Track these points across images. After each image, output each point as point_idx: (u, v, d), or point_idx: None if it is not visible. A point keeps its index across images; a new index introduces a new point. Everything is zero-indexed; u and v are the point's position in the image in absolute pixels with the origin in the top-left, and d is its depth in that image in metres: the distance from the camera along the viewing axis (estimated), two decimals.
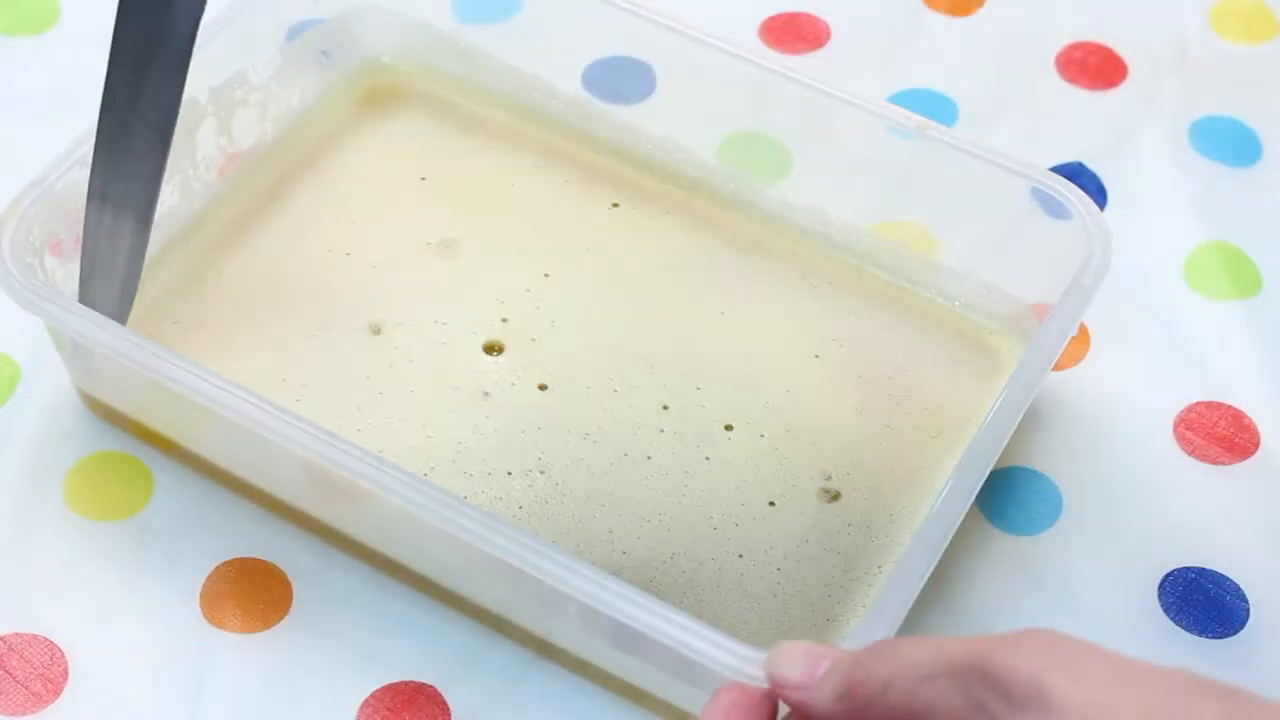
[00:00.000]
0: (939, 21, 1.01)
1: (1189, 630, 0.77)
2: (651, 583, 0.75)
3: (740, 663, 0.64)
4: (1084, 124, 0.96)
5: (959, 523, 0.69)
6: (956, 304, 0.85)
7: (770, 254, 0.87)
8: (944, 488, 0.70)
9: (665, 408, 0.81)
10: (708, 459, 0.79)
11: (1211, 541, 0.80)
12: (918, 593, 0.67)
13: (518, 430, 0.79)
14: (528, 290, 0.84)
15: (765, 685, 0.62)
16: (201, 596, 0.76)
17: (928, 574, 0.68)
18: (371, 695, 0.74)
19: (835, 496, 0.78)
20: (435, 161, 0.89)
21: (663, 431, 0.80)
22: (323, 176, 0.89)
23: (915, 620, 0.75)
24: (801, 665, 0.59)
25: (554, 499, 0.78)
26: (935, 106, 0.96)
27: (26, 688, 0.74)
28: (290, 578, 0.77)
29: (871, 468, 0.79)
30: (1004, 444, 0.72)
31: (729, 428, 0.80)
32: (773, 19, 1.01)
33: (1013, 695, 0.51)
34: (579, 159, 0.90)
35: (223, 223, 0.87)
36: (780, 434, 0.80)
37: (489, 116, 0.92)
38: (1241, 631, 0.77)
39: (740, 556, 0.76)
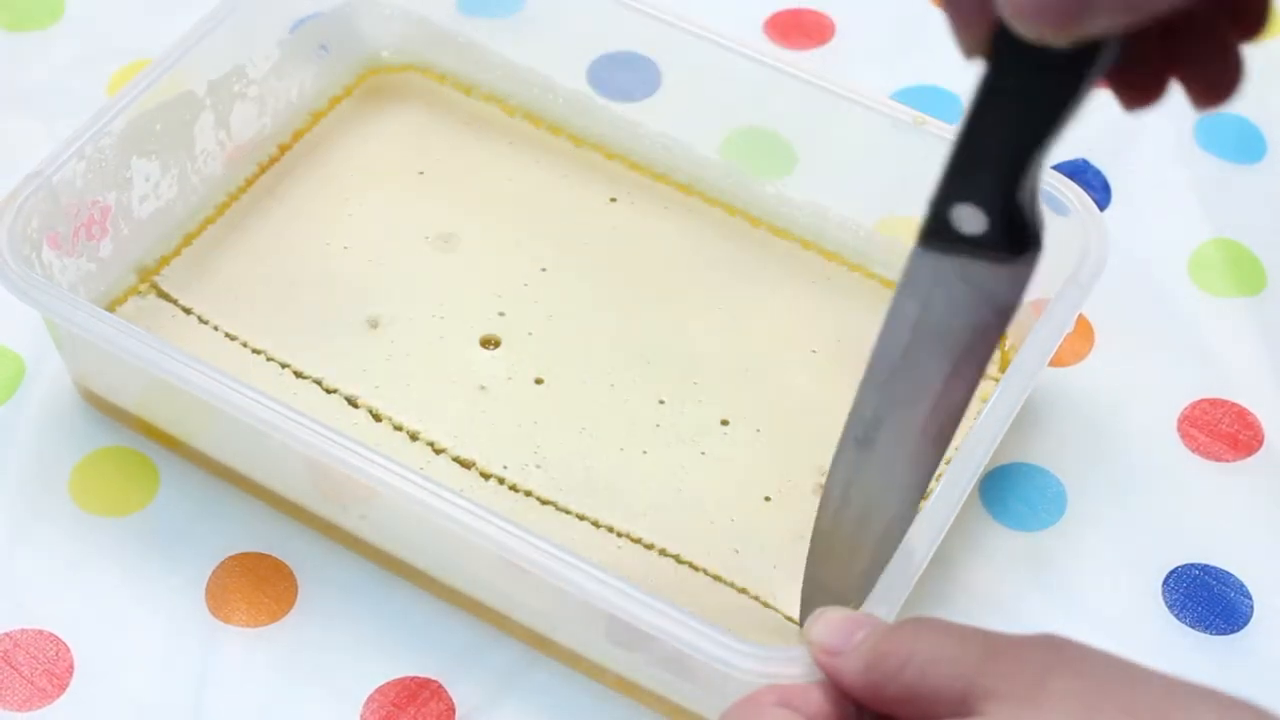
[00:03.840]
0: (943, 18, 1.00)
1: (1193, 627, 0.77)
2: (646, 578, 0.75)
3: (735, 658, 0.64)
4: (1088, 121, 0.95)
5: (954, 517, 0.69)
6: None
7: (768, 249, 0.87)
8: (938, 481, 0.70)
9: (661, 402, 0.81)
10: (704, 454, 0.79)
11: (1215, 538, 0.80)
12: (912, 586, 0.67)
13: (514, 424, 0.80)
14: (525, 284, 0.85)
15: (763, 681, 0.62)
16: (207, 591, 0.77)
17: (922, 567, 0.68)
18: (376, 690, 0.74)
19: None
20: (433, 156, 0.89)
21: (659, 426, 0.80)
22: (321, 170, 0.89)
23: (919, 615, 0.75)
24: (838, 631, 0.60)
25: (550, 493, 0.78)
26: (940, 103, 0.96)
27: (32, 683, 0.74)
28: (296, 572, 0.77)
29: None
30: (998, 438, 0.72)
31: (725, 423, 0.80)
32: (778, 15, 1.01)
33: (1016, 682, 0.52)
34: (577, 154, 0.91)
35: (221, 216, 0.87)
36: (777, 429, 0.80)
37: (487, 111, 0.92)
38: (1245, 628, 0.77)
39: (736, 552, 0.76)
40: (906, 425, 0.64)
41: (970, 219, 0.58)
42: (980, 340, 0.61)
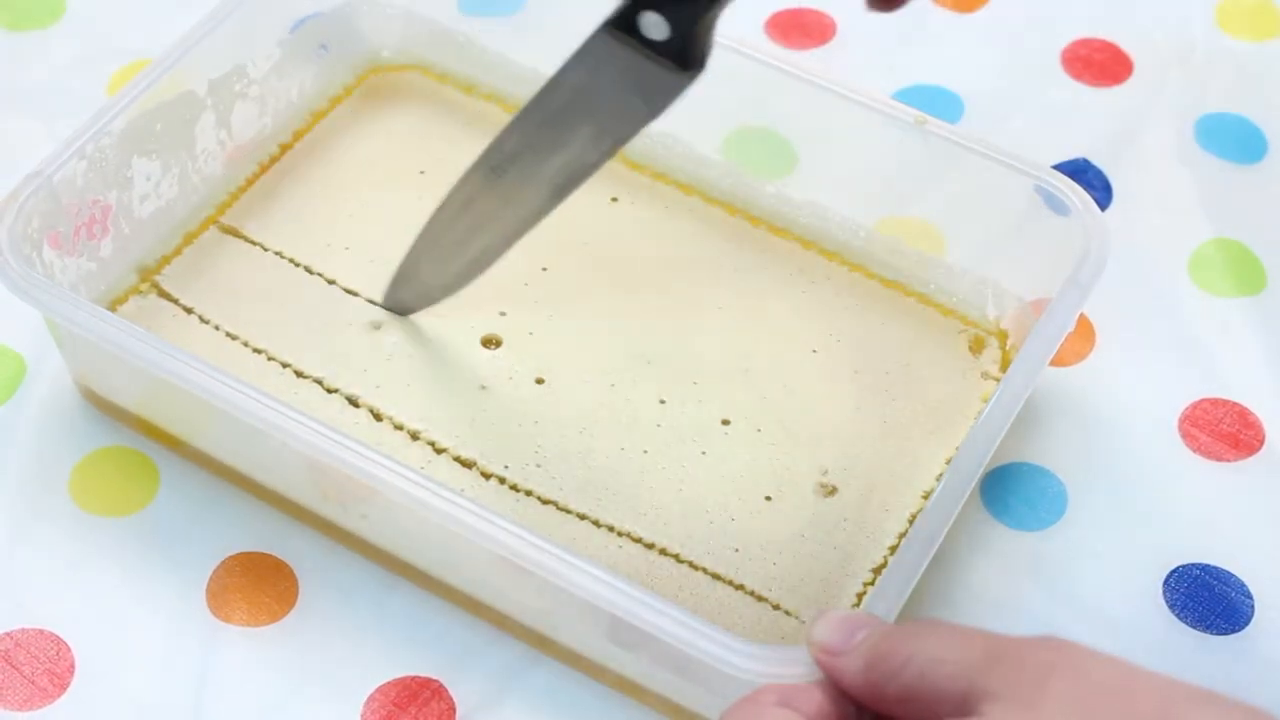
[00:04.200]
0: (945, 18, 1.01)
1: (1194, 626, 0.77)
2: (648, 577, 0.75)
3: (735, 657, 0.64)
4: (1089, 120, 0.96)
5: (954, 516, 0.69)
6: (955, 300, 0.85)
7: (769, 249, 0.87)
8: (940, 481, 0.70)
9: (662, 402, 0.81)
10: (704, 453, 0.79)
11: (1216, 538, 0.80)
12: (913, 586, 0.67)
13: (515, 424, 0.80)
14: (525, 284, 0.85)
15: (763, 680, 0.62)
16: (208, 591, 0.77)
17: (923, 567, 0.68)
18: (377, 690, 0.74)
19: (832, 491, 0.78)
20: (434, 155, 0.89)
21: (659, 426, 0.80)
22: (322, 170, 0.89)
23: (919, 615, 0.75)
24: (839, 631, 0.60)
25: (550, 492, 0.78)
26: (941, 103, 0.96)
27: (33, 683, 0.74)
28: (296, 572, 0.77)
29: (868, 463, 0.79)
30: (1000, 438, 0.72)
31: (726, 422, 0.80)
32: (778, 14, 1.01)
33: (1016, 684, 0.52)
34: None
35: (222, 216, 0.87)
36: (777, 429, 0.80)
37: (488, 111, 0.92)
38: (1247, 627, 0.77)
39: (736, 551, 0.76)
40: (536, 167, 0.76)
41: (656, 26, 0.69)
42: (625, 123, 0.73)
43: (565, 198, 0.77)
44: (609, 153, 0.75)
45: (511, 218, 0.78)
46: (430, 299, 0.83)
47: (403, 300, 0.84)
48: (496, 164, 0.77)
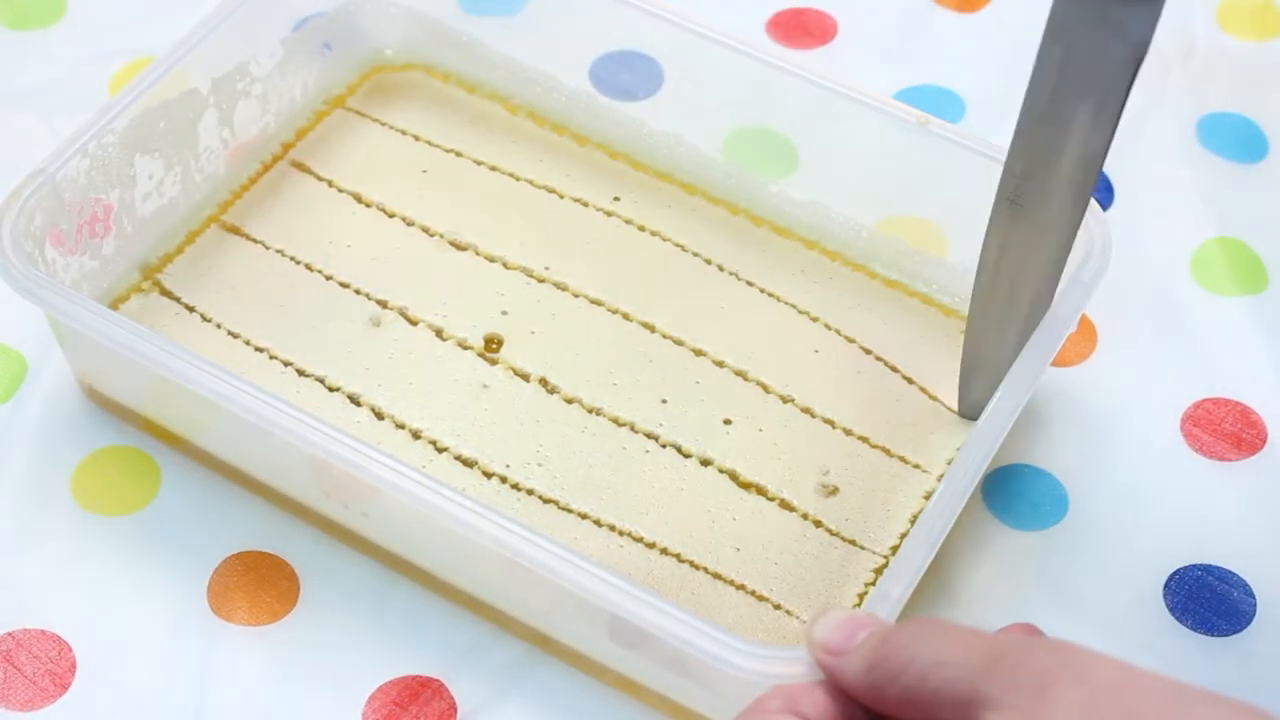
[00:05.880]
0: (946, 17, 1.01)
1: (1195, 628, 0.77)
2: (648, 576, 0.75)
3: (735, 657, 0.64)
4: None
5: (956, 516, 0.69)
6: (957, 300, 0.85)
7: (771, 249, 0.87)
8: (941, 481, 0.70)
9: (664, 401, 0.81)
10: (706, 453, 0.79)
11: (1218, 538, 0.80)
12: (914, 586, 0.67)
13: (516, 423, 0.80)
14: (528, 283, 0.85)
15: (764, 680, 0.62)
16: (209, 590, 0.77)
17: (924, 567, 0.68)
18: (378, 689, 0.74)
19: (833, 491, 0.78)
20: (437, 155, 0.89)
21: (661, 425, 0.80)
22: (324, 169, 0.89)
23: (920, 615, 0.75)
24: (841, 631, 0.60)
25: (552, 492, 0.78)
26: (942, 102, 0.96)
27: (34, 683, 0.74)
28: (298, 571, 0.77)
29: (870, 463, 0.79)
30: (1001, 438, 0.71)
31: (728, 422, 0.80)
32: (780, 14, 1.01)
33: (1017, 691, 0.52)
34: (580, 152, 0.90)
35: (224, 214, 0.87)
36: (779, 429, 0.80)
37: (491, 110, 0.92)
38: (1248, 628, 0.77)
39: (737, 550, 0.76)
40: (1052, 177, 0.68)
41: None
42: (1118, 81, 0.65)
43: (1085, 205, 0.70)
44: (1112, 127, 0.67)
45: (1049, 244, 0.72)
46: (999, 377, 0.74)
47: (976, 399, 0.79)
48: (1012, 194, 0.70)
